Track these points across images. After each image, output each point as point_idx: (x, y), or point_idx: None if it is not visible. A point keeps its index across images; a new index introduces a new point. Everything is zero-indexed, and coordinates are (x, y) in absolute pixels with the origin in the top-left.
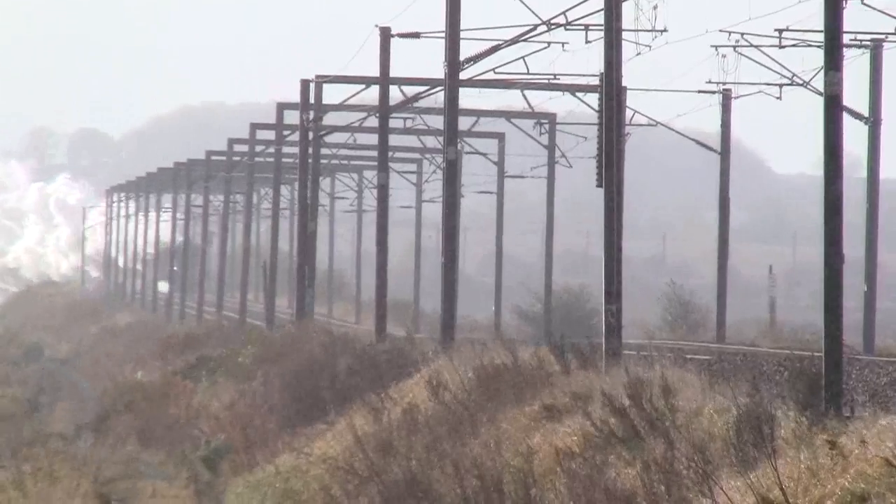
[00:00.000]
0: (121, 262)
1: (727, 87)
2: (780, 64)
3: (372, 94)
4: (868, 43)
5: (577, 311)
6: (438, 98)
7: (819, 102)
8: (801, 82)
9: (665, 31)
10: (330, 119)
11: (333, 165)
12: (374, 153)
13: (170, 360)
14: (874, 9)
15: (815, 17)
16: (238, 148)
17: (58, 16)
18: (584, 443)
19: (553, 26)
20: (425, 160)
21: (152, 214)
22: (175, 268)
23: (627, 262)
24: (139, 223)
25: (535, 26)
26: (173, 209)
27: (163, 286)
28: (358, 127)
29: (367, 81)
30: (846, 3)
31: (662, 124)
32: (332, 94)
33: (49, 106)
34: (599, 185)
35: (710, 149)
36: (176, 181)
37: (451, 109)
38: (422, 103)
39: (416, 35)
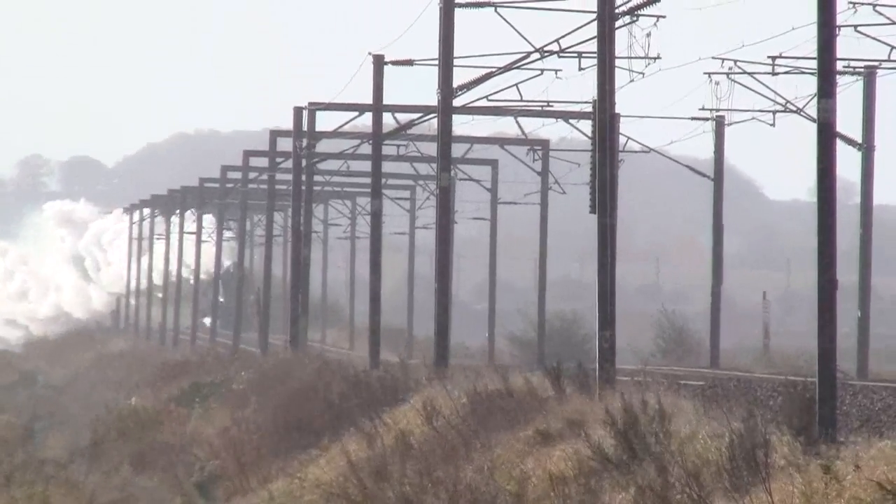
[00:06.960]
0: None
1: (720, 113)
2: (773, 91)
3: (365, 122)
4: (861, 70)
5: (571, 337)
6: (432, 125)
7: (812, 129)
8: (794, 109)
9: (658, 58)
10: (323, 146)
11: (327, 192)
12: (368, 180)
13: (164, 387)
14: (867, 36)
15: (808, 44)
16: (231, 175)
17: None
18: (577, 468)
19: (546, 53)
20: (419, 187)
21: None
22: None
23: (621, 288)
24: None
25: (529, 53)
26: (167, 234)
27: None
28: (351, 154)
29: (360, 109)
30: (839, 30)
31: (656, 150)
32: (325, 121)
33: (42, 133)
34: (593, 212)
35: (704, 175)
36: (170, 207)
37: (445, 136)
38: (415, 130)
39: (409, 62)
